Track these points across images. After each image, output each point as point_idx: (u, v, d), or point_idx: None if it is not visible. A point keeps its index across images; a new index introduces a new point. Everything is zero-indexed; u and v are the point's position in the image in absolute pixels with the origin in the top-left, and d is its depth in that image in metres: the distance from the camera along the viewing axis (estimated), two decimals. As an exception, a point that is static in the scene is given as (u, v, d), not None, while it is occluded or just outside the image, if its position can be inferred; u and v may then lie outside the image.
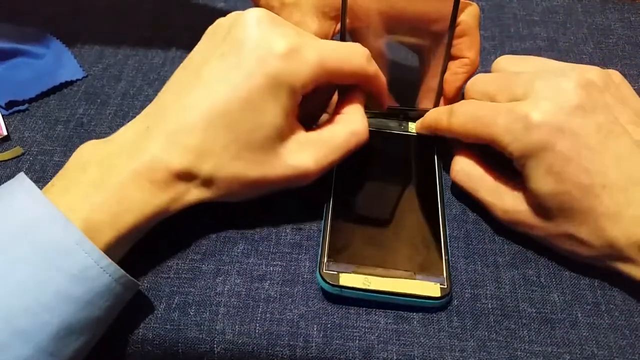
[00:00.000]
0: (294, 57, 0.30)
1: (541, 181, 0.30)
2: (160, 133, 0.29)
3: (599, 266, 0.31)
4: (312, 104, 0.34)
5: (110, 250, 0.27)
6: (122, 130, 0.31)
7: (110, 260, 0.27)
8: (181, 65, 0.32)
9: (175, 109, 0.30)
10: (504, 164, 0.33)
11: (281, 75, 0.29)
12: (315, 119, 0.36)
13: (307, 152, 0.31)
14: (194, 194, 0.31)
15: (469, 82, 0.35)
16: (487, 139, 0.32)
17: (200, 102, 0.30)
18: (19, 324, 0.25)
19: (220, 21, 0.32)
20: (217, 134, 0.29)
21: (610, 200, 0.29)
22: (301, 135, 0.32)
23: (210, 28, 0.33)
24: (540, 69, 0.33)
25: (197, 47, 0.32)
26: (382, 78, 0.34)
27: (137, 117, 0.31)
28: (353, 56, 0.32)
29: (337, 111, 0.34)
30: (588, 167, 0.29)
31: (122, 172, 0.28)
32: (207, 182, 0.30)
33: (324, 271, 0.31)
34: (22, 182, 0.27)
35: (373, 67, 0.33)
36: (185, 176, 0.30)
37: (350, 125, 0.33)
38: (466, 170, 0.35)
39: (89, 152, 0.30)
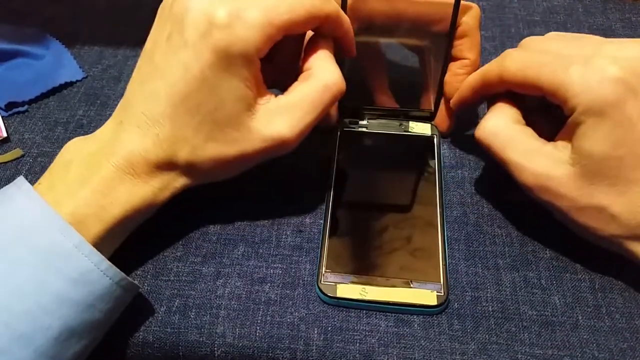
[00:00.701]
0: (237, 24, 0.28)
1: (598, 141, 0.28)
2: (132, 126, 0.30)
3: (612, 250, 0.31)
4: (279, 64, 0.33)
5: (99, 243, 0.28)
6: (103, 126, 0.31)
7: (110, 263, 0.27)
8: (142, 51, 0.32)
9: (139, 100, 0.30)
10: (539, 128, 0.32)
11: (229, 47, 0.28)
12: (289, 78, 0.33)
13: (280, 119, 0.30)
14: (179, 182, 0.31)
15: (524, 40, 0.33)
16: (550, 87, 0.30)
17: (159, 90, 0.29)
18: (19, 327, 0.25)
19: None
20: (184, 119, 0.29)
21: None
22: (271, 103, 0.31)
23: (159, 8, 0.31)
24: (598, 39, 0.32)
25: (151, 30, 0.32)
26: (345, 17, 0.32)
27: (115, 111, 0.31)
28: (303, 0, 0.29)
29: (304, 67, 0.32)
30: None
31: (104, 168, 0.29)
32: (188, 169, 0.30)
33: (321, 283, 0.31)
34: (20, 185, 0.27)
35: (331, 6, 0.30)
36: (166, 166, 0.30)
37: (320, 79, 0.31)
38: (495, 128, 0.32)
39: (72, 150, 0.30)
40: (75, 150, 0.30)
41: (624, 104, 0.28)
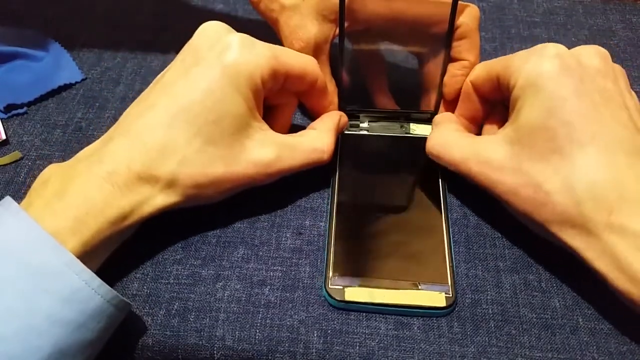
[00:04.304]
0: (249, 49, 0.31)
1: (531, 110, 0.30)
2: (121, 137, 0.30)
3: (549, 239, 0.31)
4: (277, 118, 0.36)
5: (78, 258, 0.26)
6: (86, 147, 0.31)
7: (101, 280, 0.26)
8: None
9: (136, 115, 0.31)
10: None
11: (238, 64, 0.31)
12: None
13: (270, 148, 0.32)
14: (158, 199, 0.30)
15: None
16: (500, 72, 0.33)
17: (159, 100, 0.30)
18: (9, 349, 0.24)
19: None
20: (180, 129, 0.30)
21: (593, 157, 0.28)
22: (267, 134, 0.33)
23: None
24: None
25: None
26: (327, 90, 0.37)
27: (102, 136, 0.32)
28: (302, 57, 0.34)
29: (311, 125, 0.36)
30: (585, 114, 0.29)
31: (83, 177, 0.28)
32: (171, 184, 0.30)
33: (329, 287, 0.31)
34: (8, 205, 0.27)
35: (321, 74, 0.35)
36: (148, 178, 0.29)
37: (315, 141, 0.34)
38: (440, 140, 0.35)
39: (50, 171, 0.30)
40: (53, 170, 0.30)
41: (558, 78, 0.30)
